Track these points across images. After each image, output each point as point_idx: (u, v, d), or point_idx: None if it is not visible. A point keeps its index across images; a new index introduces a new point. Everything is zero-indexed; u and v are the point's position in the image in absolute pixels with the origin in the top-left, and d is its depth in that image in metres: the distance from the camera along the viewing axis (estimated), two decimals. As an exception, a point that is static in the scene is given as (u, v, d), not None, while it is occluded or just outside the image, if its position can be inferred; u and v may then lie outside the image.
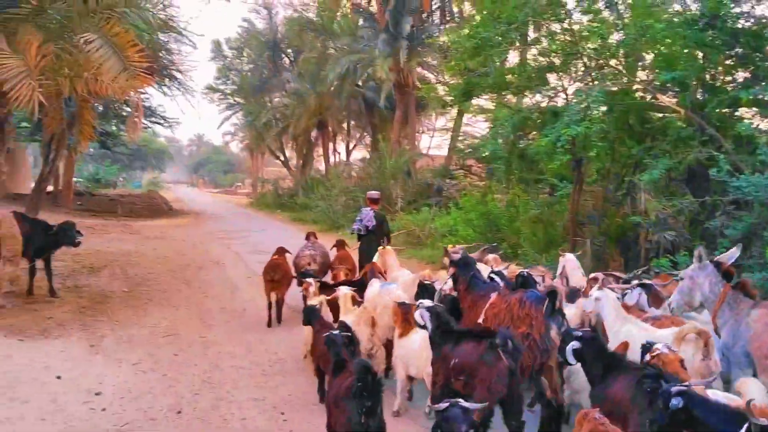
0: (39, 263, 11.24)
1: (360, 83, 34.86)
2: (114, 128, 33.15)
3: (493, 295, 6.36)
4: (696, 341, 5.28)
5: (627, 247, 12.99)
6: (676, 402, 3.84)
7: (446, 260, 8.96)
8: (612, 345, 5.44)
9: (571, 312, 6.81)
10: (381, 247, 10.22)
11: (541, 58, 14.27)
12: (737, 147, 11.26)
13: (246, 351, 8.89)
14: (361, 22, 33.80)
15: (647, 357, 4.77)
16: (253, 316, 10.96)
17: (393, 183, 25.11)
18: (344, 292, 7.52)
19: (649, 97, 13.40)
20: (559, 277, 8.97)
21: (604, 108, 12.62)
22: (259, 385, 7.49)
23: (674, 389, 3.90)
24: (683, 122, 12.14)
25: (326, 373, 6.21)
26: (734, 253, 6.14)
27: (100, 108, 25.13)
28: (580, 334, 5.09)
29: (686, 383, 4.07)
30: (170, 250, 19.13)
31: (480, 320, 6.25)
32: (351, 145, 45.35)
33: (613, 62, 13.41)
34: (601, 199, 14.30)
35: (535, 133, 14.77)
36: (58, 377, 7.43)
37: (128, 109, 18.22)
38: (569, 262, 8.91)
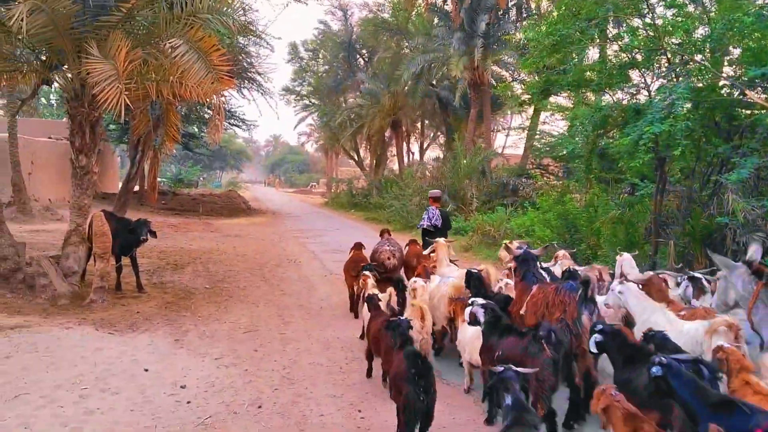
0: (125, 260, 11.82)
1: (434, 82, 34.84)
2: (196, 130, 34.29)
3: (535, 287, 6.99)
4: (726, 333, 5.41)
5: (713, 249, 12.45)
6: (655, 370, 4.28)
7: (502, 253, 9.95)
8: (638, 334, 5.82)
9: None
10: (436, 241, 10.59)
11: (622, 55, 13.88)
12: (833, 145, 10.64)
13: (323, 348, 9.04)
14: (435, 20, 33.79)
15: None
16: (330, 314, 11.15)
17: (468, 182, 24.99)
18: (420, 284, 8.49)
19: (736, 93, 12.84)
20: (617, 277, 8.85)
21: (688, 105, 12.17)
22: (337, 383, 7.60)
23: (656, 359, 4.34)
24: (773, 119, 11.56)
25: (375, 355, 7.34)
26: (758, 250, 6.26)
27: (184, 110, 26.09)
28: (601, 327, 5.56)
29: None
30: (249, 248, 19.66)
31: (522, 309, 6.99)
32: (425, 145, 45.38)
33: (698, 57, 12.91)
34: (686, 199, 13.79)
35: (615, 131, 14.37)
36: (146, 370, 7.74)
37: (210, 112, 18.71)
38: (625, 261, 8.91)
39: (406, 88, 34.22)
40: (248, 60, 26.28)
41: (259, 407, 6.76)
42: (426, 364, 5.44)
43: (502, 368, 4.78)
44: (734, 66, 13.35)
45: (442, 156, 36.65)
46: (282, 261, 17.33)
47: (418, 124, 42.86)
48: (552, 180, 25.67)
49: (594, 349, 5.52)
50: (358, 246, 11.82)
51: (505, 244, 9.55)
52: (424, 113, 40.05)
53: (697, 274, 7.97)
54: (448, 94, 33.81)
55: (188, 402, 6.80)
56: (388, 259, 10.91)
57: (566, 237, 14.82)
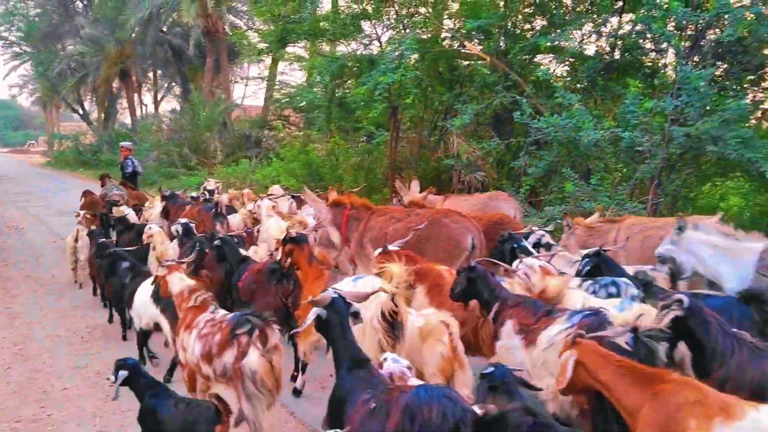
0: None
1: (165, 29, 32.88)
2: None
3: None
4: None
5: (442, 188, 13.70)
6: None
7: None
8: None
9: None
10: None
11: (354, 6, 14.31)
12: (537, 91, 12.17)
13: (61, 318, 8.28)
14: (162, -37, 31.65)
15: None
16: (64, 281, 10.20)
17: (209, 135, 24.21)
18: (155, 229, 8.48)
19: (456, 44, 14.02)
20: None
21: (416, 56, 13.02)
22: (79, 353, 7.03)
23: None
24: (488, 69, 12.86)
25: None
26: None
27: None
28: None
29: None
30: (-44, 216, 17.12)
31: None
32: (159, 96, 42.90)
33: (422, 10, 13.81)
34: (417, 144, 14.89)
35: (351, 81, 14.91)
36: None
37: None
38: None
39: (134, 35, 31.80)
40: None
41: (-11, 390, 6.02)
42: None
43: None
44: (454, 19, 14.48)
45: (178, 108, 34.92)
46: (1, 228, 15.38)
47: (150, 74, 40.24)
48: (294, 131, 25.94)
49: None
50: (88, 192, 13.36)
51: None
52: (156, 62, 37.68)
53: None
54: (181, 42, 32.14)
55: None
56: (119, 201, 11.91)
57: (311, 185, 15.16)
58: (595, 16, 12.36)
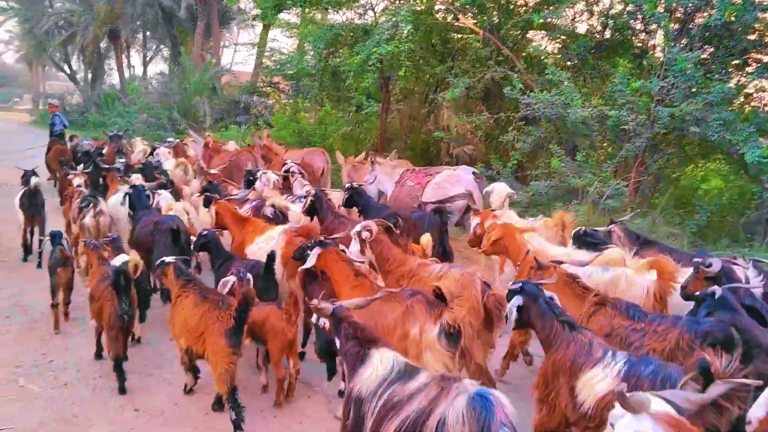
0: None
1: (156, -10, 32.52)
2: None
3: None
4: None
5: (430, 161, 13.91)
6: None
7: None
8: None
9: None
10: None
11: (350, -26, 14.34)
12: (528, 67, 12.35)
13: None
14: None
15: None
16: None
17: (198, 100, 24.15)
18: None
19: (449, 17, 14.11)
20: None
21: (409, 27, 13.11)
22: (76, 303, 7.18)
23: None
24: (481, 43, 13.00)
25: None
26: None
27: None
28: None
29: None
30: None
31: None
32: (147, 58, 42.47)
33: (417, -19, 13.86)
34: (407, 116, 15.05)
35: (344, 50, 14.96)
36: None
37: None
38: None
39: (124, -6, 31.49)
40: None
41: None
42: None
43: None
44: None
45: (165, 71, 34.61)
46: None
47: (140, 36, 39.81)
48: (283, 98, 25.92)
49: None
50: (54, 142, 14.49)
51: None
52: (146, 24, 37.27)
53: None
54: (172, 4, 31.84)
55: None
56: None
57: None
58: (588, -6, 12.52)
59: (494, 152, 12.84)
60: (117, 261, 5.40)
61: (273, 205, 7.40)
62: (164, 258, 5.26)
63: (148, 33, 39.69)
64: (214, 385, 4.69)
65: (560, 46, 13.46)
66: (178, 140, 13.27)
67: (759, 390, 2.91)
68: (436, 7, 14.29)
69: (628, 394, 2.46)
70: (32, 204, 8.80)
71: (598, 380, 3.37)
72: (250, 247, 6.40)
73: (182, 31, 33.34)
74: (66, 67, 42.71)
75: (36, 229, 9.04)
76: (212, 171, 10.20)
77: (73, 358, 5.89)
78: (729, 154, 10.86)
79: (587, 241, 6.00)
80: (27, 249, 9.00)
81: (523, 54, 12.89)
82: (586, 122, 10.78)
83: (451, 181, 8.87)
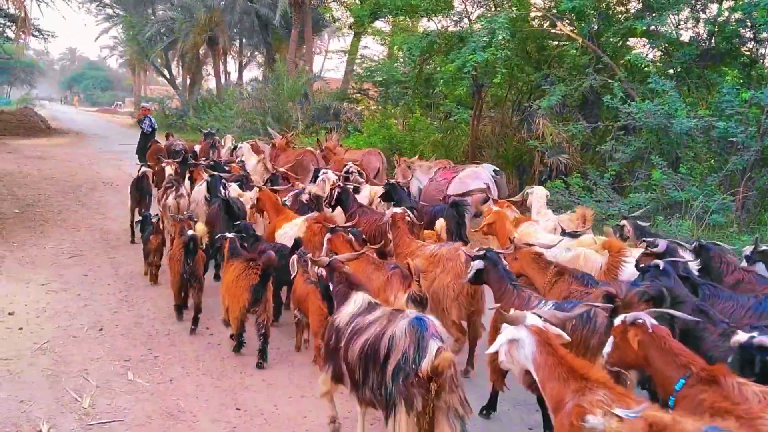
0: None
1: (253, -1, 33.55)
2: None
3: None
4: None
5: (523, 170, 13.72)
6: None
7: None
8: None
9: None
10: None
11: (446, -19, 14.36)
12: (629, 76, 11.99)
13: (160, 270, 8.79)
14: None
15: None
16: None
17: (291, 105, 24.70)
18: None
19: (546, 24, 13.90)
20: None
21: (505, 35, 12.99)
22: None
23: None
24: (577, 51, 12.71)
25: None
26: None
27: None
28: None
29: None
30: (57, 170, 18.14)
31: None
32: (243, 65, 43.84)
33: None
34: (499, 124, 14.90)
35: (438, 58, 14.97)
36: (-38, 299, 7.13)
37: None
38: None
39: (223, 2, 32.62)
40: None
41: (100, 330, 6.56)
42: None
43: None
44: (546, -1, 14.36)
45: (259, 77, 35.65)
46: (97, 184, 16.26)
47: (236, 43, 41.20)
48: (372, 104, 26.18)
49: None
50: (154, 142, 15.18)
51: None
52: (243, 31, 38.52)
53: None
54: (268, 12, 32.72)
55: (20, 328, 6.43)
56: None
57: (390, 160, 15.40)
58: (694, 1, 12.05)
59: (590, 162, 12.52)
60: (191, 231, 6.71)
61: (309, 193, 8.46)
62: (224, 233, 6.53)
63: (244, 40, 40.97)
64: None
65: (663, 54, 13.01)
66: (254, 139, 15.10)
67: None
68: (532, 14, 14.11)
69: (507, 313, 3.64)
70: (140, 188, 10.20)
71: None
72: (278, 232, 7.47)
73: (277, 38, 34.23)
74: (166, 72, 44.67)
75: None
76: (280, 169, 10.93)
77: (177, 354, 6.12)
78: None
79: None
80: (134, 231, 10.06)
81: (622, 62, 12.52)
82: (690, 133, 10.36)
83: (472, 177, 9.91)
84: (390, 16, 15.42)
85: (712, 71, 11.94)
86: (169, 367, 5.84)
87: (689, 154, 11.10)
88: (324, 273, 4.87)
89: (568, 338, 3.60)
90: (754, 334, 3.54)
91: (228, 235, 6.40)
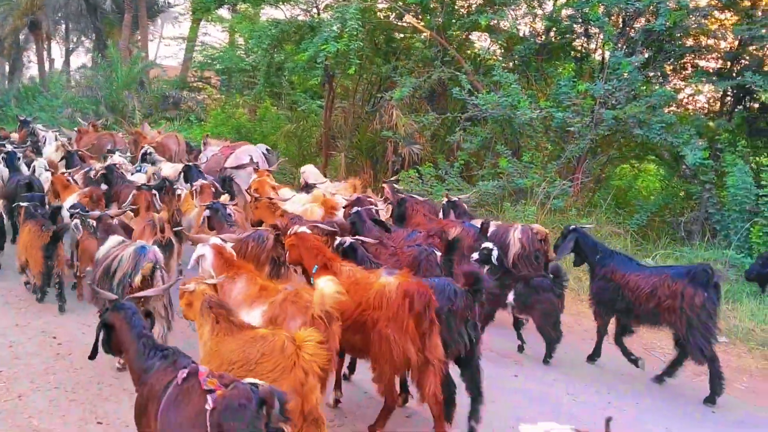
0: None
1: (79, -20, 31.15)
2: None
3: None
4: None
5: (376, 161, 13.88)
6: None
7: None
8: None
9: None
10: None
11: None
12: (474, 68, 12.48)
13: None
14: None
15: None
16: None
17: (127, 94, 23.26)
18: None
19: (392, 15, 14.08)
20: None
21: (356, 25, 13.00)
22: (20, 312, 6.81)
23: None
24: (423, 43, 13.01)
25: None
26: None
27: None
28: None
29: None
30: None
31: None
32: (69, 51, 40.66)
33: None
34: (351, 114, 14.93)
35: (289, 47, 14.71)
36: None
37: None
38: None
39: (45, -16, 29.94)
40: None
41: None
42: None
43: None
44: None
45: (87, 64, 33.24)
46: None
47: (62, 27, 38.05)
48: (215, 93, 25.34)
49: None
50: None
51: None
52: (69, 15, 35.66)
53: None
54: (96, -5, 30.59)
55: None
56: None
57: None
58: (530, -3, 12.75)
59: (440, 152, 12.91)
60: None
61: (95, 170, 9.41)
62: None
63: (70, 24, 38.01)
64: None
65: (504, 48, 13.66)
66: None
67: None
68: (379, 5, 14.22)
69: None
70: None
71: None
72: (65, 204, 7.97)
73: (108, 22, 32.03)
74: (-20, 59, 40.39)
75: None
76: (77, 150, 11.78)
77: (23, 367, 5.53)
78: (661, 156, 11.35)
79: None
80: None
81: (466, 55, 12.99)
82: (531, 124, 10.98)
83: (245, 153, 11.12)
84: (234, 3, 14.86)
85: (549, 64, 12.72)
86: (15, 382, 5.29)
87: (531, 143, 11.78)
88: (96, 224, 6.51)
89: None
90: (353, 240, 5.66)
91: (23, 204, 7.50)
